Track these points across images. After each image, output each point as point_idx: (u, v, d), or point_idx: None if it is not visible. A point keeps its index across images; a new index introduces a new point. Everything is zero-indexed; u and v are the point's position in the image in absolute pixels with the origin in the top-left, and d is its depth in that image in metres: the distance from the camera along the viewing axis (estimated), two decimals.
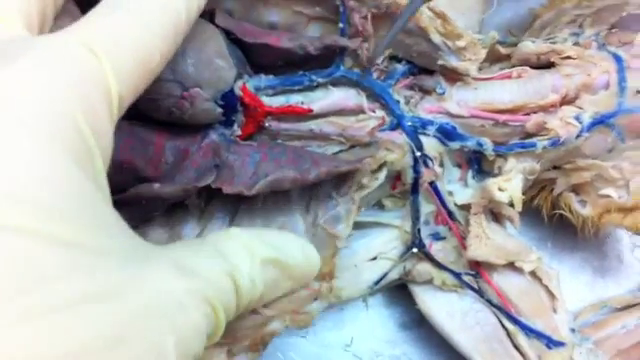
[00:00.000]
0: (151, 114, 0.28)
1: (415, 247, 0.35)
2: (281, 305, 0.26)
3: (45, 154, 0.17)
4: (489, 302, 0.34)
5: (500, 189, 0.33)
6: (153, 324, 0.18)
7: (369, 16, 0.32)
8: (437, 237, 0.35)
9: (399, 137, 0.33)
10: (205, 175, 0.29)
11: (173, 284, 0.19)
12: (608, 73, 0.34)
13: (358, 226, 0.34)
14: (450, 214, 0.34)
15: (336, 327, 0.39)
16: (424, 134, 0.33)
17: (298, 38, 0.31)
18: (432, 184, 0.34)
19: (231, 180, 0.29)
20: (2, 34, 0.20)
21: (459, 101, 0.34)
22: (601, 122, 0.34)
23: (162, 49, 0.22)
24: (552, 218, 0.38)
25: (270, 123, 0.32)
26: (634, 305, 0.37)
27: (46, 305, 0.15)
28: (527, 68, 0.35)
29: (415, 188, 0.34)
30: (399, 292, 0.38)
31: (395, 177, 0.34)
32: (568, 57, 0.35)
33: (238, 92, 0.30)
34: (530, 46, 0.35)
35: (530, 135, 0.34)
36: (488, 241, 0.33)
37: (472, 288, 0.35)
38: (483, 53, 0.34)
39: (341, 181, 0.31)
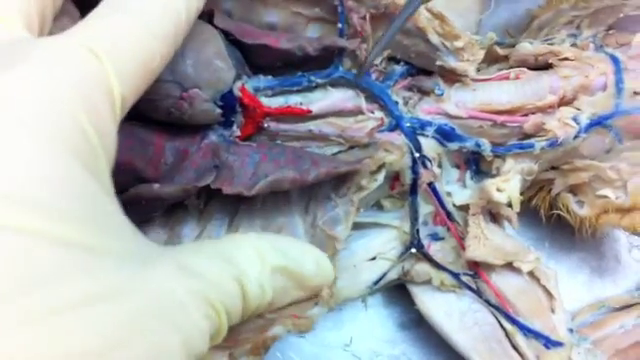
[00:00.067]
0: (150, 115, 0.28)
1: (414, 247, 0.35)
2: (283, 309, 0.26)
3: (47, 154, 0.17)
4: (487, 302, 0.35)
5: (498, 190, 0.33)
6: (155, 324, 0.18)
7: (368, 16, 0.32)
8: (436, 237, 0.35)
9: (398, 138, 0.33)
10: (205, 175, 0.29)
11: (174, 284, 0.19)
12: (605, 74, 0.34)
13: (357, 226, 0.34)
14: (449, 215, 0.35)
15: (335, 327, 0.39)
16: (423, 135, 0.34)
17: (297, 39, 0.31)
18: (431, 185, 0.34)
19: (231, 180, 0.29)
20: (3, 35, 0.20)
21: (457, 102, 0.34)
22: (599, 123, 0.34)
23: (162, 50, 0.22)
24: (550, 218, 0.38)
25: (269, 124, 0.32)
26: (632, 305, 0.37)
27: (47, 306, 0.15)
28: (525, 69, 0.35)
29: (414, 189, 0.34)
30: (398, 292, 0.38)
31: (394, 178, 0.34)
32: (566, 58, 0.35)
33: (237, 93, 0.30)
34: (528, 47, 0.35)
35: (528, 136, 0.34)
36: (486, 241, 0.33)
37: (470, 288, 0.35)
38: (481, 54, 0.34)
39: (340, 182, 0.31)
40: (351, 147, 0.33)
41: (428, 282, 0.35)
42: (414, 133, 0.33)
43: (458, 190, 0.35)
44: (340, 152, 0.33)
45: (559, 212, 0.37)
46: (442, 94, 0.34)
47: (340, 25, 0.32)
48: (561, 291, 0.35)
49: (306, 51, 0.31)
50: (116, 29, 0.20)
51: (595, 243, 0.42)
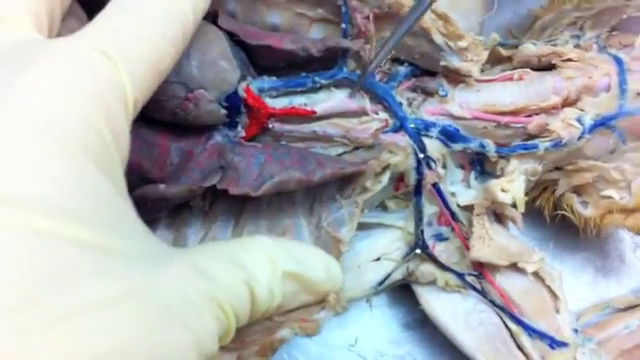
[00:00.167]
0: (156, 115, 0.28)
1: (418, 248, 0.35)
2: (291, 313, 0.26)
3: (62, 156, 0.17)
4: (492, 303, 0.35)
5: (503, 190, 0.33)
6: (169, 324, 0.18)
7: (371, 16, 0.32)
8: (440, 238, 0.35)
9: (402, 139, 0.33)
10: (210, 176, 0.29)
11: (186, 285, 0.19)
12: (609, 75, 0.34)
13: (361, 227, 0.34)
14: (453, 215, 0.35)
15: (340, 327, 0.39)
16: (427, 136, 0.34)
17: (300, 40, 0.31)
18: (435, 185, 0.34)
19: (237, 181, 0.29)
20: (14, 37, 0.20)
21: (461, 103, 0.34)
22: (602, 124, 0.34)
23: (171, 50, 0.22)
24: (554, 219, 0.38)
25: (273, 124, 0.32)
26: (636, 306, 0.38)
27: (65, 309, 0.15)
28: (528, 70, 0.35)
29: (418, 189, 0.34)
30: (403, 292, 0.38)
31: (398, 179, 0.34)
32: (569, 59, 0.35)
33: (242, 94, 0.30)
34: (531, 48, 0.35)
35: (532, 137, 0.34)
36: (491, 242, 0.33)
37: (475, 289, 0.35)
38: (485, 54, 0.34)
39: (345, 184, 0.31)
40: (355, 148, 0.33)
41: (433, 282, 0.35)
42: (418, 134, 0.33)
43: (462, 191, 0.35)
44: (344, 153, 0.33)
45: (563, 212, 0.37)
46: (446, 95, 0.34)
47: (344, 25, 0.32)
48: (565, 291, 0.35)
49: (310, 52, 0.31)
50: (126, 31, 0.21)
51: (599, 243, 0.42)
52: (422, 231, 0.35)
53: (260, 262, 0.23)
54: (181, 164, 0.29)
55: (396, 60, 0.34)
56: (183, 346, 0.18)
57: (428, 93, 0.34)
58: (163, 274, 0.19)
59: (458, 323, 0.35)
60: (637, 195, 0.35)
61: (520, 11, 0.43)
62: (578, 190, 0.37)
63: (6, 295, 0.14)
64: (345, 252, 0.31)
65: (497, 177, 0.34)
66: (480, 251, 0.33)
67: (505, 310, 0.34)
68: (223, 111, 0.29)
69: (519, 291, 0.34)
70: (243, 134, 0.31)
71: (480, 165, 0.35)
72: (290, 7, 0.32)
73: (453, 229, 0.35)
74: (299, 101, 0.32)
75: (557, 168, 0.37)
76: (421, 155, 0.33)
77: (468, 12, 0.39)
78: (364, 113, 0.33)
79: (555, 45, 0.36)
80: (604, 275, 0.41)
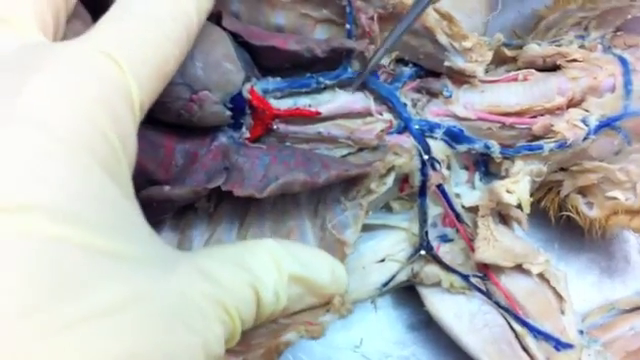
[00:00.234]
0: (160, 117, 0.28)
1: (423, 249, 0.34)
2: (297, 315, 0.26)
3: (69, 160, 0.17)
4: (497, 304, 0.34)
5: (508, 191, 0.33)
6: (177, 328, 0.18)
7: (375, 17, 0.32)
8: (445, 239, 0.35)
9: (407, 141, 0.33)
10: (215, 177, 0.29)
11: (193, 289, 0.19)
12: (614, 76, 0.34)
13: (366, 228, 0.34)
14: (458, 216, 0.35)
15: (345, 328, 0.39)
16: (431, 137, 0.34)
17: (305, 41, 0.31)
18: (440, 187, 0.34)
19: (241, 183, 0.29)
20: (20, 40, 0.20)
21: (466, 104, 0.34)
22: (607, 125, 0.34)
23: (176, 52, 0.22)
24: (559, 220, 0.38)
25: (278, 125, 0.32)
26: None
27: (79, 314, 0.15)
28: (533, 71, 0.35)
29: (423, 191, 0.34)
30: (407, 293, 0.38)
31: (403, 180, 0.34)
32: (574, 60, 0.35)
33: (246, 95, 0.30)
34: (536, 49, 0.35)
35: (537, 137, 0.34)
36: (496, 243, 0.33)
37: (480, 290, 0.35)
38: (489, 55, 0.34)
39: (349, 186, 0.31)
40: (360, 149, 0.33)
41: (437, 284, 0.35)
42: (423, 135, 0.33)
43: (467, 192, 0.35)
44: (349, 154, 0.33)
45: (568, 213, 0.37)
46: (450, 96, 0.34)
47: (348, 26, 0.32)
48: (571, 292, 0.35)
49: (314, 53, 0.31)
50: (130, 33, 0.21)
51: (604, 244, 0.41)
52: (427, 232, 0.34)
53: (266, 265, 0.23)
54: (186, 165, 0.29)
55: (400, 61, 0.34)
56: (191, 349, 0.18)
57: (432, 94, 0.34)
58: (169, 278, 0.19)
59: (463, 324, 0.35)
60: None
61: (524, 11, 0.43)
62: (583, 191, 0.37)
63: (14, 302, 0.14)
64: (349, 254, 0.31)
65: (502, 178, 0.34)
66: (485, 252, 0.33)
67: (510, 311, 0.34)
68: (228, 112, 0.29)
69: (524, 292, 0.34)
70: (248, 135, 0.31)
71: (485, 166, 0.35)
72: (294, 8, 0.32)
73: (458, 230, 0.35)
74: (303, 102, 0.32)
75: (562, 169, 0.37)
76: (426, 156, 0.33)
77: (472, 12, 0.39)
78: (368, 114, 0.33)
79: (560, 45, 0.36)
80: (609, 276, 0.41)
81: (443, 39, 0.32)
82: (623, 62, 0.35)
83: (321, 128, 0.32)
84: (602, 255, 0.42)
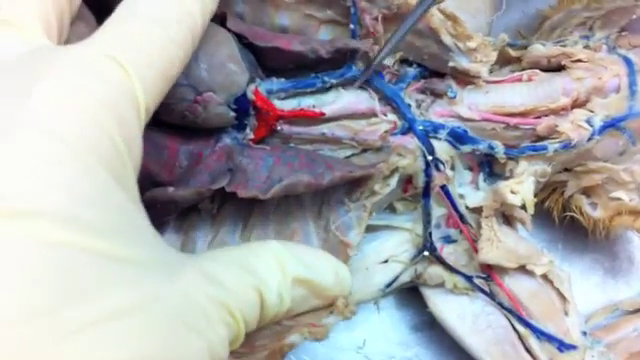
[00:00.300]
0: (164, 118, 0.28)
1: (426, 250, 0.35)
2: (300, 317, 0.26)
3: (82, 168, 0.17)
4: (500, 305, 0.34)
5: (512, 192, 0.33)
6: (183, 331, 0.18)
7: (380, 17, 0.32)
8: (448, 240, 0.35)
9: (411, 142, 0.33)
10: (219, 179, 0.29)
11: (198, 292, 0.19)
12: (619, 76, 0.34)
13: (369, 229, 0.34)
14: (461, 217, 0.35)
15: (348, 329, 0.39)
16: (435, 138, 0.33)
17: (309, 41, 0.31)
18: (443, 187, 0.34)
19: (245, 184, 0.28)
20: (24, 43, 0.20)
21: (470, 104, 0.34)
22: (612, 125, 0.34)
23: (180, 55, 0.22)
24: (563, 220, 0.38)
25: (282, 126, 0.32)
26: None
27: (86, 319, 0.15)
28: (537, 71, 0.35)
29: (427, 191, 0.34)
30: (410, 294, 0.38)
31: (406, 180, 0.34)
32: (578, 60, 0.35)
33: (250, 96, 0.30)
34: (540, 49, 0.35)
35: (541, 138, 0.34)
36: (499, 244, 0.33)
37: (483, 291, 0.35)
38: (494, 55, 0.33)
39: (353, 187, 0.31)
40: (364, 150, 0.33)
41: (441, 285, 0.35)
42: (427, 136, 0.33)
43: (471, 192, 0.35)
44: (352, 155, 0.33)
45: (572, 214, 0.37)
46: (455, 96, 0.34)
47: (352, 26, 0.32)
48: (574, 293, 0.34)
49: (319, 53, 0.30)
50: (135, 36, 0.21)
51: (608, 245, 0.41)
52: (430, 233, 0.34)
53: (270, 267, 0.23)
54: (190, 167, 0.29)
55: (405, 61, 0.34)
56: (196, 352, 0.18)
57: (437, 94, 0.34)
58: (175, 281, 0.19)
59: (466, 325, 0.35)
60: None
61: (529, 11, 0.43)
62: (587, 191, 0.37)
63: (21, 307, 0.14)
64: (353, 256, 0.31)
65: (506, 179, 0.34)
66: (488, 253, 0.33)
67: (513, 312, 0.34)
68: (232, 113, 0.29)
69: (527, 293, 0.34)
70: (252, 136, 0.31)
71: (489, 167, 0.35)
72: (299, 8, 0.32)
73: (461, 231, 0.35)
74: (308, 102, 0.32)
75: (566, 169, 0.36)
76: (429, 157, 0.33)
77: (476, 12, 0.39)
78: (373, 114, 0.33)
79: (564, 46, 0.36)
80: (613, 277, 0.41)
81: (447, 39, 0.32)
82: (628, 62, 0.35)
83: (325, 129, 0.32)
84: (606, 256, 0.42)
